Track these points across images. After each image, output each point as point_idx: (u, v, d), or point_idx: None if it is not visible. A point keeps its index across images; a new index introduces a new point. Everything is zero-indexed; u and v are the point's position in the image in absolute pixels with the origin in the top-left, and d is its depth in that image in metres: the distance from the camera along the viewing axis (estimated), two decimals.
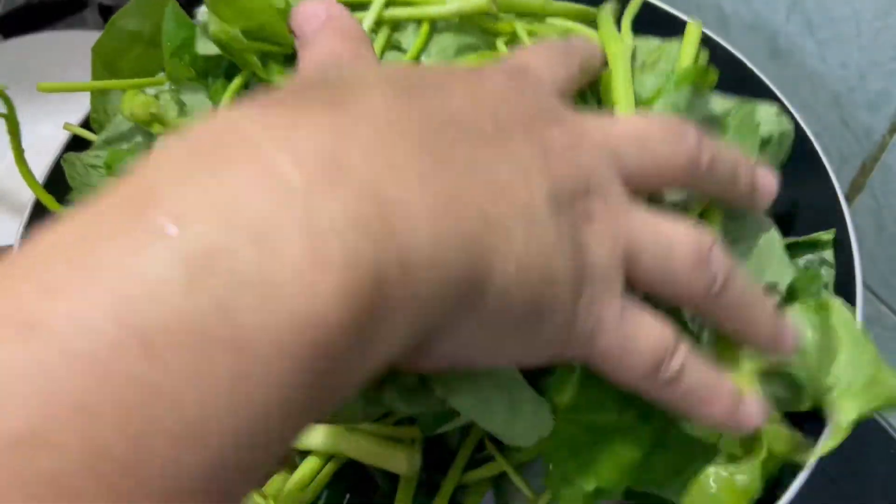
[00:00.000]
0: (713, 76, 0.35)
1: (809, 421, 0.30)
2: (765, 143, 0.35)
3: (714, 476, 0.29)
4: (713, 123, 0.34)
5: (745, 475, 0.28)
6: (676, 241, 0.25)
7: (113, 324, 0.13)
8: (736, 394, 0.27)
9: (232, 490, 0.15)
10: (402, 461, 0.28)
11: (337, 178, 0.16)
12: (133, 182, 0.15)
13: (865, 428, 0.54)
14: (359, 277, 0.15)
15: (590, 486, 0.28)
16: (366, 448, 0.29)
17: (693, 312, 0.28)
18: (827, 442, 0.29)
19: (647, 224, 0.25)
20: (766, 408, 0.27)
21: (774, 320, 0.28)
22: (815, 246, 0.36)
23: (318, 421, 0.20)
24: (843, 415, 0.29)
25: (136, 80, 0.35)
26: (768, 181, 0.31)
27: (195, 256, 0.14)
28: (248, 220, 0.15)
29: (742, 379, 0.28)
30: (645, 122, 0.27)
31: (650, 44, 0.37)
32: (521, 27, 0.35)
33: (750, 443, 0.30)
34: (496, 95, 0.23)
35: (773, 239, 0.32)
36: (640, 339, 0.24)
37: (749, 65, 0.42)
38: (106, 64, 0.37)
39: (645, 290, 0.25)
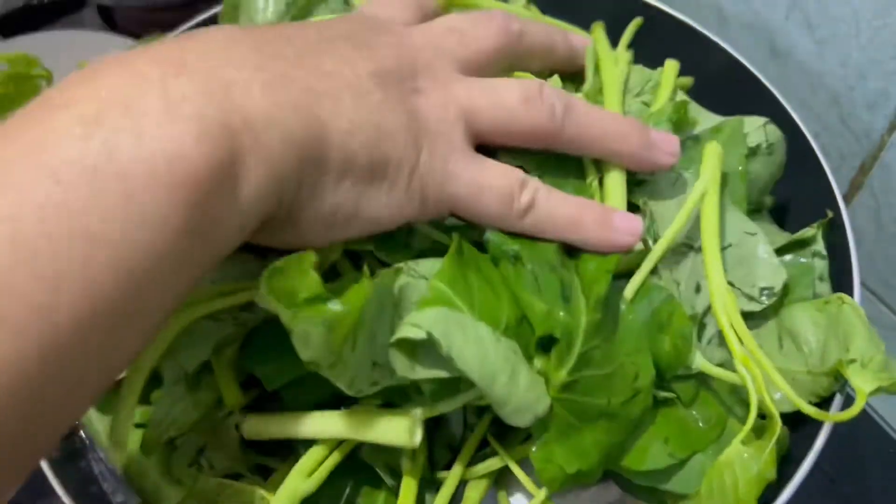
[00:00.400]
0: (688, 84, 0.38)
1: (809, 422, 0.31)
2: (752, 152, 0.36)
3: (738, 463, 0.29)
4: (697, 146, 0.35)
5: (761, 463, 0.29)
6: (505, 88, 0.30)
7: (28, 162, 0.19)
8: (602, 211, 0.30)
9: (140, 298, 0.21)
10: (403, 431, 0.28)
11: (184, 69, 0.22)
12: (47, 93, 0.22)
13: (864, 428, 0.54)
14: (209, 127, 0.22)
15: (572, 469, 0.28)
16: (366, 424, 0.29)
17: (559, 148, 0.31)
18: (852, 408, 0.29)
19: (479, 86, 0.30)
20: (638, 220, 0.31)
21: (640, 129, 0.32)
22: (805, 243, 0.36)
23: (205, 273, 0.23)
24: (866, 383, 0.29)
25: None
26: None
27: (86, 120, 0.20)
28: (120, 97, 0.21)
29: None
30: (457, 16, 0.33)
31: (642, 73, 0.39)
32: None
33: (761, 430, 0.30)
34: (324, 23, 0.29)
35: (757, 243, 0.33)
36: (490, 178, 0.29)
37: (748, 65, 0.43)
38: None
39: (496, 141, 0.30)
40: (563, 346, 0.28)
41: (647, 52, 0.41)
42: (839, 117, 0.48)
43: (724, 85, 0.41)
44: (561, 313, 0.28)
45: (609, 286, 0.29)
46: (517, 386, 0.27)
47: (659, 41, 0.42)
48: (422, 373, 0.27)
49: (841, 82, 0.47)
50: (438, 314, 0.27)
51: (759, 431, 0.30)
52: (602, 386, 0.29)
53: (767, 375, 0.30)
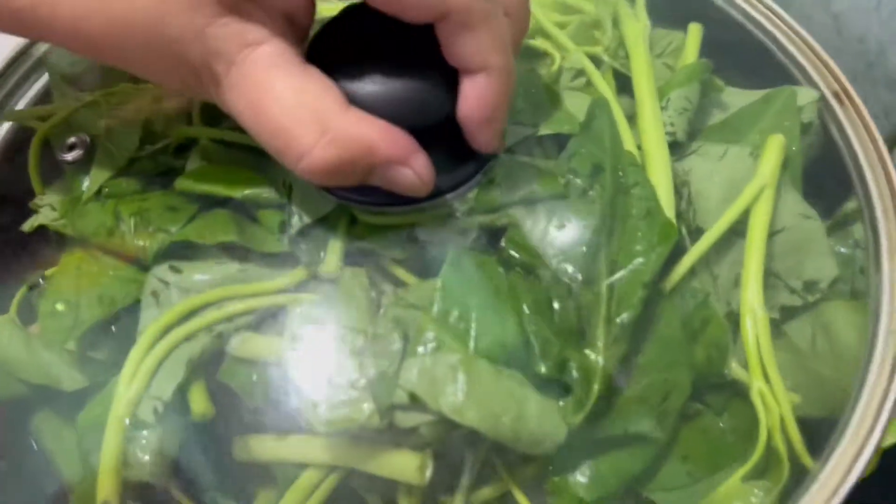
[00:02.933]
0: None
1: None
2: (805, 128, 0.33)
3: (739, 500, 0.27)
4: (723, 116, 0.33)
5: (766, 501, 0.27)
6: None
7: None
8: None
9: None
10: (413, 468, 0.26)
11: None
12: None
13: None
14: None
15: (591, 497, 0.27)
16: (374, 456, 0.27)
17: None
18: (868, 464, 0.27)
19: None
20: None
21: None
22: (842, 223, 0.33)
23: None
24: (890, 435, 0.27)
25: None
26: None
27: None
28: None
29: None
30: None
31: (661, 34, 0.37)
32: None
33: (768, 460, 0.28)
34: None
35: (815, 228, 0.30)
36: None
37: (762, 38, 0.40)
38: None
39: None
40: (580, 388, 0.26)
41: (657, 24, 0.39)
42: (858, 95, 0.46)
43: (737, 57, 0.39)
44: (574, 353, 0.26)
45: (643, 306, 0.27)
46: (526, 420, 0.25)
47: (669, 13, 0.40)
48: (419, 419, 0.25)
49: (859, 58, 0.44)
50: (423, 366, 0.25)
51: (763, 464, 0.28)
52: (624, 413, 0.27)
53: (784, 419, 0.27)
